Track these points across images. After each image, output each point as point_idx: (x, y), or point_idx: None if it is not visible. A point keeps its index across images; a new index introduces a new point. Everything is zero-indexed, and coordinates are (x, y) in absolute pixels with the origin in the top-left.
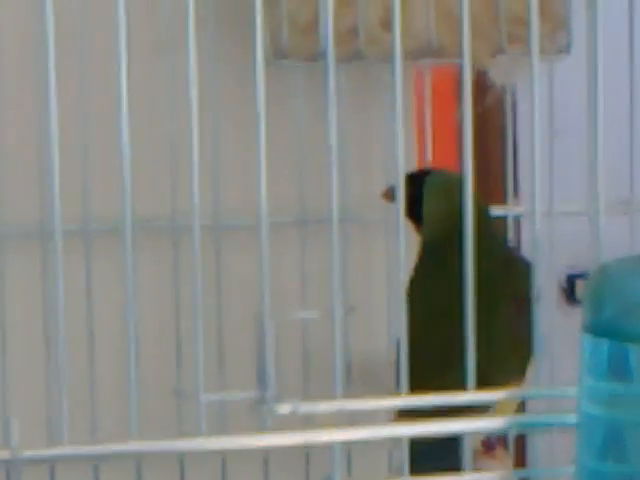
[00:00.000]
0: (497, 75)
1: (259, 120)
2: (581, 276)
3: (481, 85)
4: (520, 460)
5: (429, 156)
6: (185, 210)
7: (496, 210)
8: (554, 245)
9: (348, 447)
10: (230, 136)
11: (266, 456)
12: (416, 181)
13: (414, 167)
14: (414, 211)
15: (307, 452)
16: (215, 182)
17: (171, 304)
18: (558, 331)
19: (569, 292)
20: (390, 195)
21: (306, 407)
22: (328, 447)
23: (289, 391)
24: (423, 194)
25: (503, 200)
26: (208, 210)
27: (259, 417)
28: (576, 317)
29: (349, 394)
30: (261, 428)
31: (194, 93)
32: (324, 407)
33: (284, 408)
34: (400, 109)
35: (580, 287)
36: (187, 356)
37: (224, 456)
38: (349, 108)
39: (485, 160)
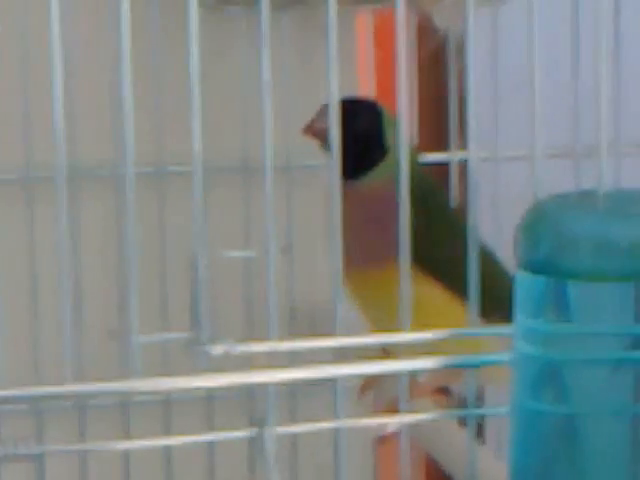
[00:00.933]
0: (441, 19)
1: (193, 66)
2: None
3: (425, 30)
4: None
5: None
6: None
7: (440, 156)
8: (499, 191)
9: (292, 390)
10: (173, 82)
11: (210, 399)
12: (361, 111)
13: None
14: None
15: (251, 395)
16: (157, 129)
17: (115, 249)
18: None
19: None
20: (317, 131)
21: (241, 348)
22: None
23: (234, 333)
24: (382, 126)
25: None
26: (151, 158)
27: (194, 358)
28: None
29: (294, 336)
30: (197, 369)
31: (126, 39)
32: (259, 348)
33: (218, 349)
34: (333, 48)
35: None
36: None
37: (167, 400)
38: (294, 54)
39: (435, 105)
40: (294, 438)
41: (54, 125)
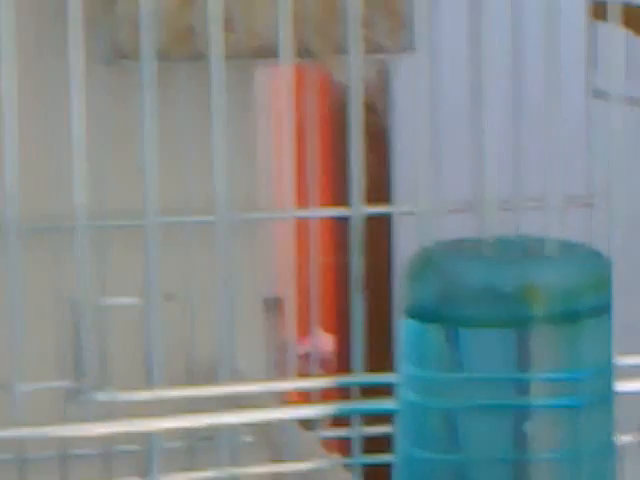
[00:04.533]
0: (340, 74)
1: (75, 118)
2: None
3: (327, 84)
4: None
5: (270, 155)
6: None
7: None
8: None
9: (190, 445)
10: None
11: (108, 452)
12: None
13: (254, 168)
14: None
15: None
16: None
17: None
18: None
19: None
20: None
21: (125, 396)
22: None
23: (131, 383)
24: None
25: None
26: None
27: (79, 406)
28: None
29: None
30: (84, 418)
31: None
32: (143, 396)
33: (102, 396)
34: (220, 112)
35: None
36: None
37: (64, 453)
38: (191, 107)
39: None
40: None
41: None
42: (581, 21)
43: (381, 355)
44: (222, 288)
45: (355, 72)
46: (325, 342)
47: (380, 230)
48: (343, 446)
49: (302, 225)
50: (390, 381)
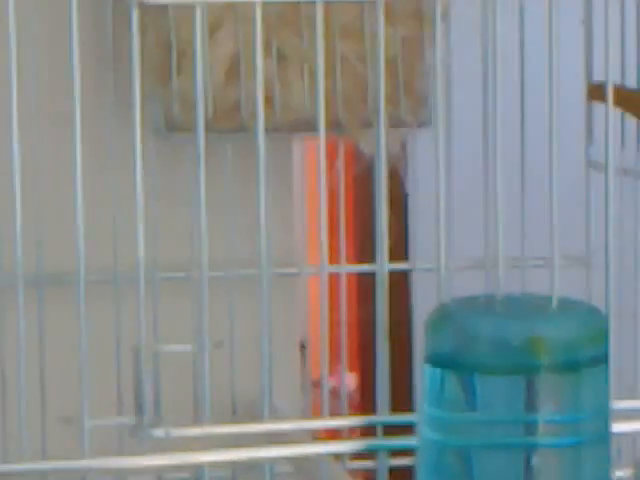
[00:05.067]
0: (367, 145)
1: (136, 189)
2: None
3: (353, 154)
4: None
5: (304, 217)
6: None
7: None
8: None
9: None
10: (127, 197)
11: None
12: None
13: (291, 229)
14: None
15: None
16: (108, 238)
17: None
18: None
19: None
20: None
21: (178, 432)
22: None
23: (182, 418)
24: None
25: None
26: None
27: (139, 440)
28: None
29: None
30: (142, 450)
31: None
32: (194, 432)
33: (159, 432)
34: (262, 179)
35: None
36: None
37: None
38: (236, 176)
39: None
40: None
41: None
42: (580, 101)
43: (397, 394)
44: (263, 334)
45: (380, 143)
46: (349, 380)
47: (398, 283)
48: (364, 476)
49: (331, 278)
50: (412, 420)
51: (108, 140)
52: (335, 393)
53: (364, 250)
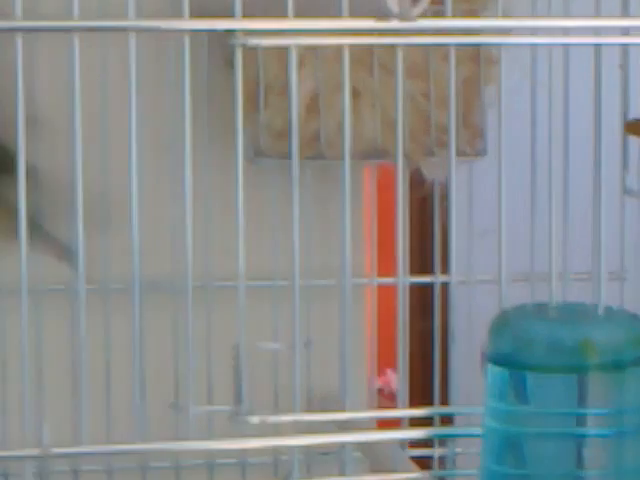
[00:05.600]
0: (429, 172)
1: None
2: None
3: (416, 179)
4: None
5: (374, 238)
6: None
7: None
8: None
9: (307, 460)
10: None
11: (243, 461)
12: None
13: (361, 244)
14: None
15: (276, 460)
16: (206, 250)
17: (171, 346)
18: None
19: None
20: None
21: (272, 418)
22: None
23: (265, 409)
24: None
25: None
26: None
27: (236, 426)
28: None
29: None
30: (239, 435)
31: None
32: (286, 418)
33: (255, 419)
34: (347, 202)
35: None
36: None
37: (210, 462)
38: (314, 198)
39: (423, 238)
40: None
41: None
42: (615, 134)
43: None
44: (344, 335)
45: (441, 171)
46: (393, 380)
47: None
48: (419, 463)
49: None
50: (474, 412)
51: (204, 166)
52: (381, 392)
53: (424, 264)
